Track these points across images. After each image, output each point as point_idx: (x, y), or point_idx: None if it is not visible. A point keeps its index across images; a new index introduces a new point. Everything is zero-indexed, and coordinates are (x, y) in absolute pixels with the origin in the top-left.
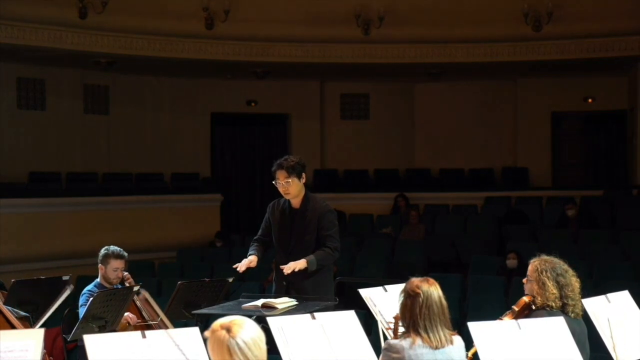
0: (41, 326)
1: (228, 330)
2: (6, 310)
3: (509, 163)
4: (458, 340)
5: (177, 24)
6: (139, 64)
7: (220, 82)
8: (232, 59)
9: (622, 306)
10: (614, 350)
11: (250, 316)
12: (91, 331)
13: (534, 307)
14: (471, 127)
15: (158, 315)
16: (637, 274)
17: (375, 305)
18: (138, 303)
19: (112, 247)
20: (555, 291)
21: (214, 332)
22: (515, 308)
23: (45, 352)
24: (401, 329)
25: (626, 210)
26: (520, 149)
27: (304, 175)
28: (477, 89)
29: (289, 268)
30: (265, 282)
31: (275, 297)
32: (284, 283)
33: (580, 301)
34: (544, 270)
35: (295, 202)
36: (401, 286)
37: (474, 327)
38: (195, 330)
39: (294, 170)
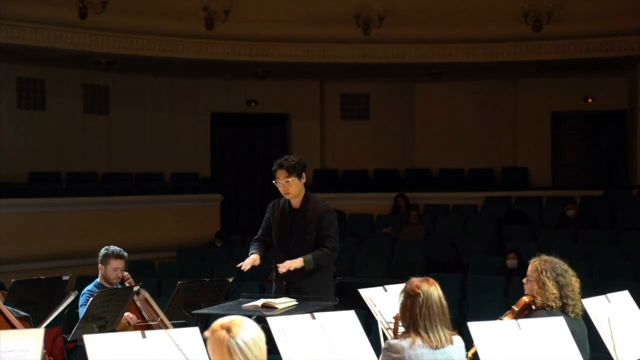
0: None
1: (228, 330)
2: (6, 310)
3: (509, 163)
4: (458, 340)
5: (177, 24)
6: (139, 64)
7: (220, 82)
8: (232, 59)
9: (622, 306)
10: (614, 350)
11: (250, 316)
12: (91, 331)
13: (534, 307)
14: (471, 127)
15: (158, 315)
16: (637, 274)
17: (375, 305)
18: (138, 303)
19: (112, 247)
20: (555, 291)
21: (214, 332)
22: (515, 308)
23: (45, 352)
24: (401, 329)
25: (626, 210)
26: (520, 149)
27: (304, 175)
28: (477, 89)
29: (284, 267)
30: (265, 282)
31: (275, 297)
32: (284, 283)
33: (580, 301)
34: (544, 270)
35: (296, 202)
36: (401, 286)
37: (474, 327)
38: (195, 330)
39: (294, 170)
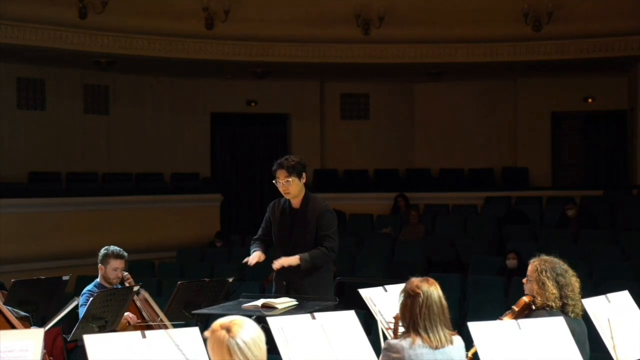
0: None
1: (228, 330)
2: (6, 310)
3: (509, 163)
4: (458, 340)
5: (177, 24)
6: (139, 64)
7: (220, 82)
8: (232, 59)
9: (622, 306)
10: (614, 350)
11: (250, 316)
12: (91, 331)
13: (534, 307)
14: (471, 127)
15: (158, 315)
16: (637, 274)
17: (375, 305)
18: (138, 303)
19: (112, 247)
20: (555, 291)
21: (214, 332)
22: (515, 308)
23: (45, 352)
24: (401, 329)
25: (626, 210)
26: (520, 149)
27: (304, 175)
28: (477, 89)
29: (278, 263)
30: (265, 282)
31: (275, 297)
32: (284, 283)
33: (580, 301)
34: (544, 270)
35: (296, 202)
36: (401, 286)
37: (474, 327)
38: (195, 330)
39: (295, 170)
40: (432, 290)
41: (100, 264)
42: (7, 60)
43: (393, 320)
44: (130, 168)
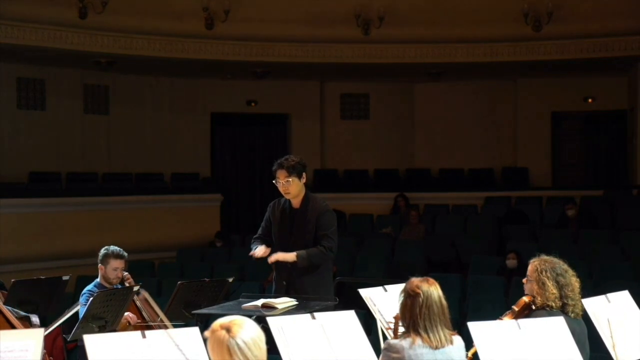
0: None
1: (228, 330)
2: (6, 310)
3: (509, 163)
4: (458, 340)
5: (177, 24)
6: (139, 64)
7: (220, 82)
8: (232, 59)
9: (622, 306)
10: (614, 350)
11: (250, 316)
12: (91, 331)
13: (534, 307)
14: (471, 127)
15: (158, 315)
16: (637, 274)
17: (375, 305)
18: (138, 303)
19: (112, 247)
20: (555, 291)
21: (213, 332)
22: (515, 308)
23: (45, 352)
24: (401, 329)
25: (626, 210)
26: (520, 149)
27: (304, 175)
28: (477, 89)
29: (274, 257)
30: (265, 282)
31: (275, 297)
32: (284, 283)
33: (580, 301)
34: (544, 270)
35: (296, 202)
36: (401, 286)
37: (474, 327)
38: (195, 330)
39: (295, 170)
40: (432, 290)
41: (100, 264)
42: (7, 60)
43: (393, 320)
44: (130, 168)
